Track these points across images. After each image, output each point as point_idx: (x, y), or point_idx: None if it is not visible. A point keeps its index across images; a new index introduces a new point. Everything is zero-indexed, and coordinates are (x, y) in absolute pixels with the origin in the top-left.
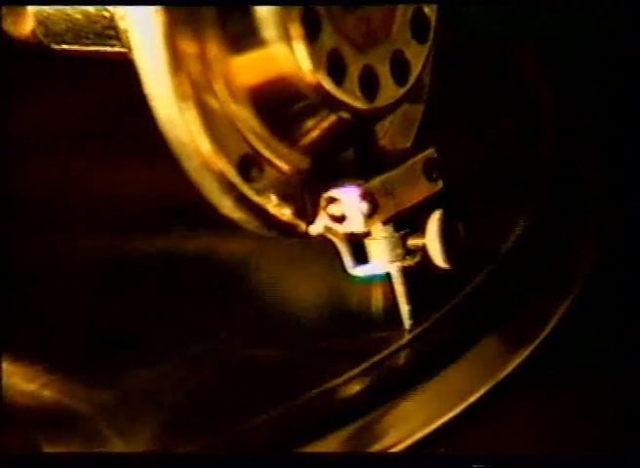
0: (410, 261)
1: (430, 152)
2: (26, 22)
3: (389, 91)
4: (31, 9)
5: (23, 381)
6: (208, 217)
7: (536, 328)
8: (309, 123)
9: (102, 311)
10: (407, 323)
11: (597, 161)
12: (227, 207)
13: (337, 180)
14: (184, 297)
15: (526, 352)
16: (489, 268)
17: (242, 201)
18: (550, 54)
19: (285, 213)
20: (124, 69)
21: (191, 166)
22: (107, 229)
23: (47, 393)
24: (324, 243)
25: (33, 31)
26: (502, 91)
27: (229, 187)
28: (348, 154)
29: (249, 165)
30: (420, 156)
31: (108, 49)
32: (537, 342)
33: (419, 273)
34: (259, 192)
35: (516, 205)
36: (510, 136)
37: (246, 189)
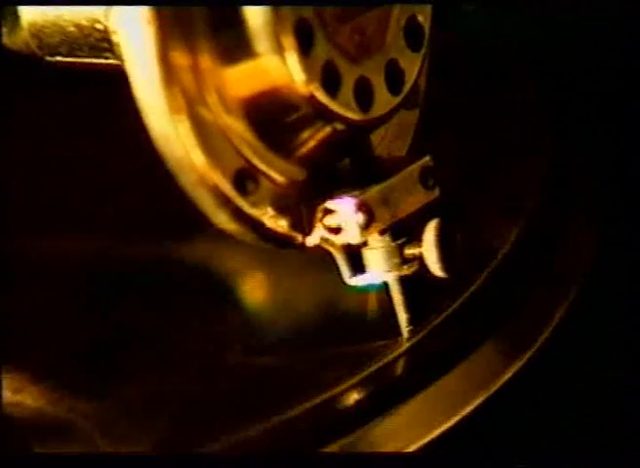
0: (407, 270)
1: (426, 160)
2: (21, 34)
3: (384, 100)
4: (25, 21)
5: (10, 391)
6: (204, 226)
7: (533, 333)
8: (304, 134)
9: (96, 318)
10: (405, 331)
11: (594, 162)
12: (223, 220)
13: (333, 192)
14: (181, 305)
15: (524, 358)
16: (485, 275)
17: (238, 214)
18: (542, 56)
19: (281, 225)
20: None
21: (186, 180)
22: (102, 238)
23: (37, 403)
24: (321, 253)
25: (27, 43)
26: (496, 93)
27: (225, 201)
28: (344, 165)
29: (244, 178)
30: (416, 164)
31: (102, 61)
32: (534, 348)
33: (416, 281)
34: (254, 205)
35: (511, 211)
36: (506, 138)
37: (242, 202)
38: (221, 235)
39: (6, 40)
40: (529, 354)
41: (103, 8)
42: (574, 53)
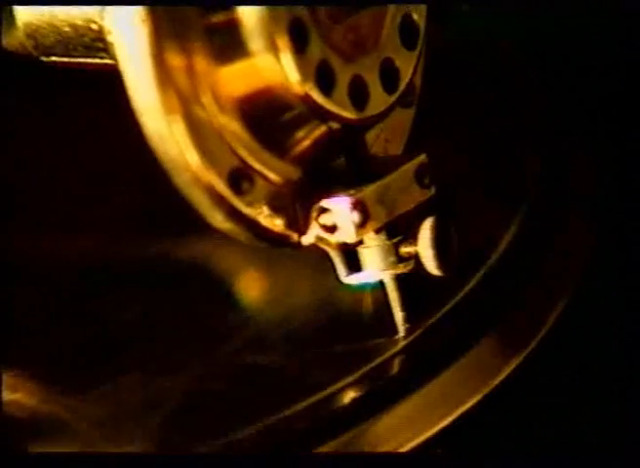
0: (403, 269)
1: (422, 158)
2: (16, 35)
3: (379, 99)
4: (20, 22)
5: (6, 390)
6: (200, 225)
7: (530, 331)
8: (299, 133)
9: (93, 317)
10: (401, 329)
11: (593, 161)
12: (219, 220)
13: (328, 190)
14: (178, 304)
15: (521, 356)
16: (482, 272)
17: (233, 214)
18: (541, 55)
19: (277, 224)
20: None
21: (181, 180)
22: (98, 237)
23: (33, 402)
24: (317, 252)
25: (22, 44)
26: (496, 92)
27: (220, 201)
28: (339, 163)
29: (239, 177)
30: (412, 163)
31: (97, 61)
32: (531, 346)
33: (412, 279)
34: (250, 204)
35: (508, 208)
36: (501, 138)
37: (237, 202)
38: (217, 234)
39: (2, 41)
40: (526, 352)
41: (99, 8)
42: (574, 52)
